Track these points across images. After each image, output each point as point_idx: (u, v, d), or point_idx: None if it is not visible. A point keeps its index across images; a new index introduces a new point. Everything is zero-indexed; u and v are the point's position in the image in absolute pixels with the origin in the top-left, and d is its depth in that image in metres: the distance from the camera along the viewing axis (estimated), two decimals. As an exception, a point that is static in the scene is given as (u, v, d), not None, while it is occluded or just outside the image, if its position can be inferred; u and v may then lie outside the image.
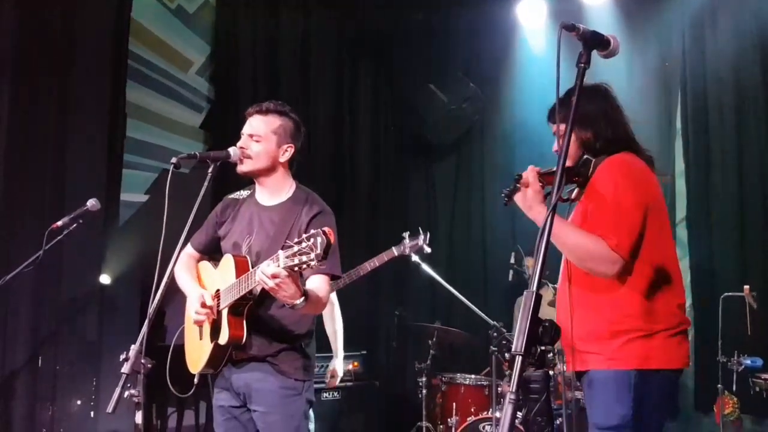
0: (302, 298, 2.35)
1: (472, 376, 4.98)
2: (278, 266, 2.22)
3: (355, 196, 6.53)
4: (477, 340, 5.20)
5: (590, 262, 2.22)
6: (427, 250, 4.33)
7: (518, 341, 1.47)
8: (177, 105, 5.59)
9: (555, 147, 2.48)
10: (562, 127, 2.36)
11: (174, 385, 2.98)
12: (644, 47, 5.94)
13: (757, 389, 4.20)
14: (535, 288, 1.52)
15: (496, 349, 4.55)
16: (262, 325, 2.62)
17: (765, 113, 5.48)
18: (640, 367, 2.18)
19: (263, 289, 2.45)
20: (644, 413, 2.18)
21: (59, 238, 3.63)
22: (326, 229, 2.33)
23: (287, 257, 2.19)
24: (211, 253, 2.90)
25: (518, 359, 1.46)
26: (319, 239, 2.13)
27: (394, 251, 4.28)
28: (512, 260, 5.31)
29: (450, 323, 5.45)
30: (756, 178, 5.51)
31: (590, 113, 2.37)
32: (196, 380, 2.80)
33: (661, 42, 5.98)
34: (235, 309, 2.55)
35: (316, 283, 2.56)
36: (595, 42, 1.79)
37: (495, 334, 4.61)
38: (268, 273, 2.25)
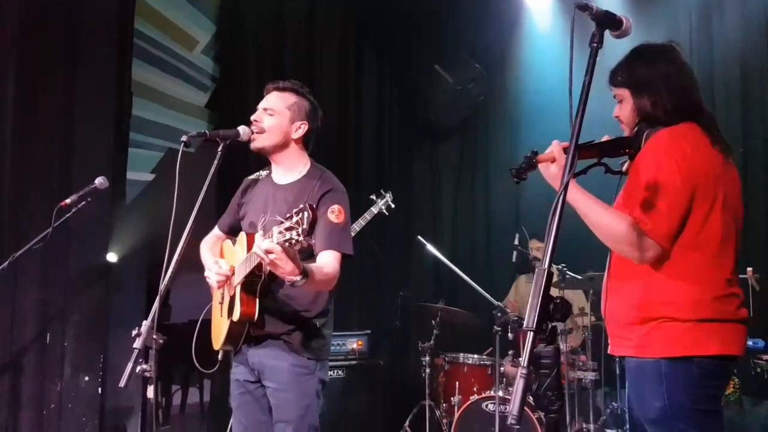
0: (301, 276, 2.35)
1: (475, 355, 5.02)
2: (272, 241, 2.23)
3: (359, 177, 6.54)
4: (480, 320, 5.24)
5: (620, 245, 2.08)
6: (392, 205, 4.78)
7: (530, 317, 1.49)
8: (182, 84, 5.58)
9: (615, 112, 2.34)
10: (619, 91, 2.30)
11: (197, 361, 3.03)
12: (651, 29, 5.90)
13: (759, 370, 4.24)
14: (546, 265, 1.53)
15: (499, 329, 4.59)
16: (276, 303, 2.64)
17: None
18: (669, 355, 2.07)
19: None
20: (680, 403, 2.06)
21: (68, 215, 3.65)
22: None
23: (279, 233, 2.20)
24: (237, 234, 2.94)
25: (530, 335, 1.48)
26: (305, 214, 2.13)
27: (374, 210, 4.69)
28: (516, 241, 5.34)
29: (453, 303, 5.49)
30: (761, 159, 5.51)
31: (649, 78, 2.20)
32: (220, 357, 2.84)
33: (668, 24, 5.96)
34: (248, 286, 2.57)
35: (324, 259, 2.58)
36: (608, 22, 1.79)
37: (499, 314, 4.65)
38: (262, 248, 2.26)
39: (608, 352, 2.29)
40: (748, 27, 5.57)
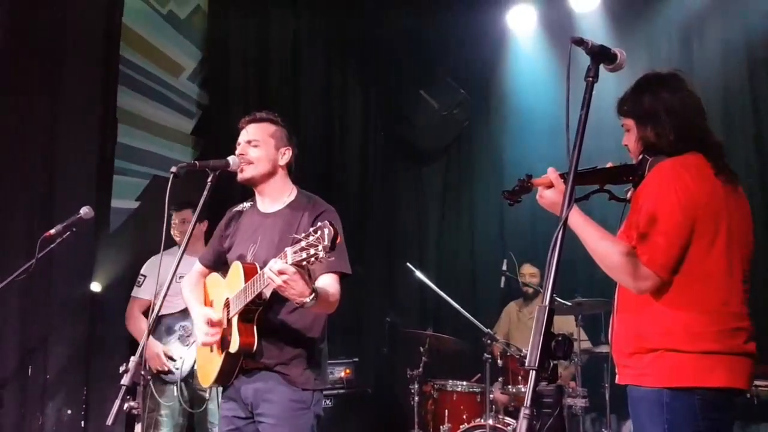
0: (312, 296, 2.34)
1: (464, 382, 4.97)
2: (285, 262, 2.21)
3: (344, 201, 6.51)
4: (468, 347, 5.19)
5: (617, 273, 2.08)
6: None
7: (532, 355, 1.47)
8: (168, 111, 5.55)
9: (624, 140, 2.32)
10: (625, 121, 2.30)
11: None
12: (633, 55, 5.86)
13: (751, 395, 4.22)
14: (547, 302, 1.51)
15: (489, 356, 4.56)
16: (274, 332, 2.59)
17: (752, 122, 5.51)
18: (671, 385, 2.04)
19: (273, 294, 2.45)
20: None
21: (52, 246, 3.58)
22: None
23: (294, 252, 2.19)
24: (220, 267, 2.90)
25: (532, 374, 1.46)
26: (326, 231, 2.13)
27: None
28: (504, 267, 5.31)
29: (439, 328, 5.44)
30: (743, 186, 5.52)
31: (652, 108, 2.19)
32: (207, 395, 2.78)
33: (649, 51, 6.02)
34: (245, 316, 2.53)
35: (326, 281, 2.56)
36: (603, 56, 1.80)
37: (489, 341, 4.61)
38: (275, 270, 2.24)
39: (615, 381, 2.25)
40: (728, 52, 5.62)
